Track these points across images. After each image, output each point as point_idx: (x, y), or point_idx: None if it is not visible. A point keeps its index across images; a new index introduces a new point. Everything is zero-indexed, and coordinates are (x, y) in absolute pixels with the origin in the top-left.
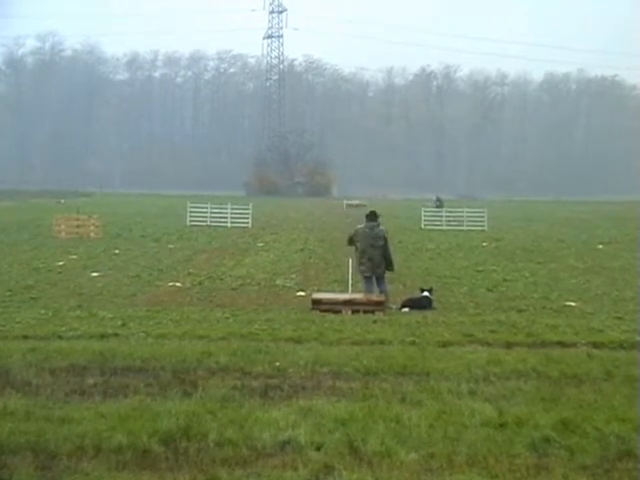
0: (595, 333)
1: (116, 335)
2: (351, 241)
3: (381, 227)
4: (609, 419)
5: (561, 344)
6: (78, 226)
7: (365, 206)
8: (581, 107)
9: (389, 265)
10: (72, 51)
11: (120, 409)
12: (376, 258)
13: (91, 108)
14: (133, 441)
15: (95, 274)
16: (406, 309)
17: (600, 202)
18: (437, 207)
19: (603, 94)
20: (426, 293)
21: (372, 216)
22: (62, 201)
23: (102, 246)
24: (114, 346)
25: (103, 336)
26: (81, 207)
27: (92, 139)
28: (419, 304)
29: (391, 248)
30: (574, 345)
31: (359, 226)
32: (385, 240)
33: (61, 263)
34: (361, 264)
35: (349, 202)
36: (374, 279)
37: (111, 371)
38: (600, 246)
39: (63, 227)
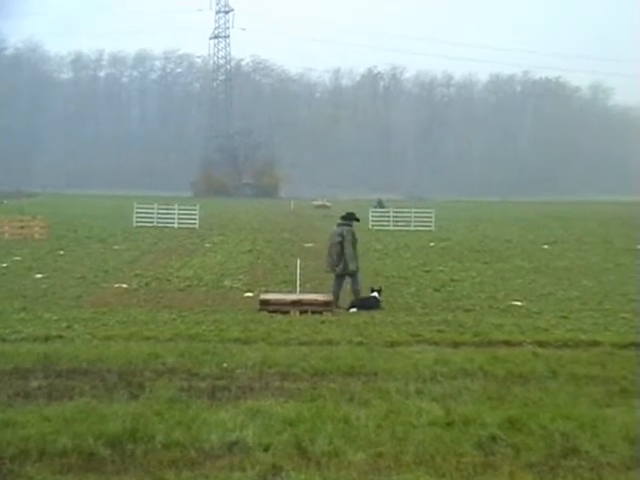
0: (540, 332)
1: (61, 337)
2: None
3: (346, 227)
4: (554, 417)
5: (507, 343)
6: (22, 227)
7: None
8: (526, 108)
9: (344, 264)
10: (14, 49)
11: (65, 412)
12: (334, 256)
13: (35, 108)
14: (78, 444)
15: (39, 275)
16: (354, 309)
17: (546, 202)
18: (380, 207)
19: (547, 96)
20: (375, 293)
21: (345, 217)
22: (5, 202)
23: (47, 247)
24: (59, 348)
25: (48, 338)
26: (25, 208)
27: (36, 139)
28: (367, 304)
29: (349, 249)
30: (520, 344)
31: (334, 227)
32: (343, 238)
33: (4, 265)
34: (326, 261)
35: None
36: (346, 278)
37: (56, 373)
38: (546, 246)
39: (6, 228)
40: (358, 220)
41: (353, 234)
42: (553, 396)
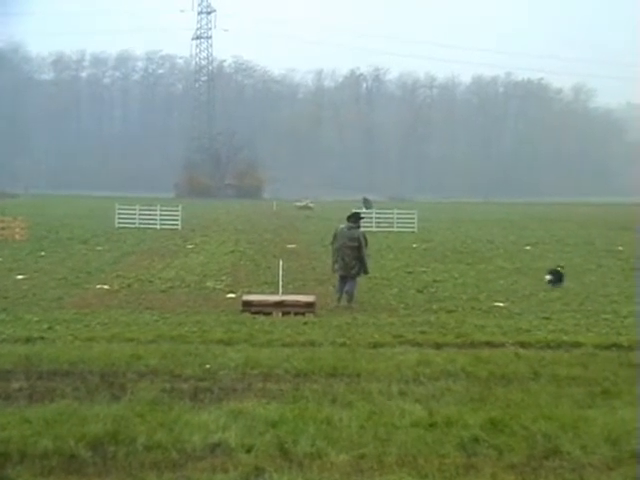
0: (522, 333)
1: (42, 339)
2: (333, 240)
3: (360, 230)
4: (536, 418)
5: (490, 344)
6: (3, 228)
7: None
8: (509, 110)
9: (363, 268)
10: None
11: (46, 414)
12: (348, 258)
13: (17, 108)
14: (60, 446)
15: (20, 277)
16: (549, 276)
17: (527, 203)
18: (366, 208)
19: (530, 97)
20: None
21: (353, 218)
22: None
23: (28, 248)
24: (40, 350)
25: (29, 340)
26: (6, 208)
27: (18, 140)
28: (560, 277)
29: (365, 251)
30: (502, 345)
31: (340, 226)
32: (359, 242)
33: None
34: (335, 262)
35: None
36: (349, 279)
37: (37, 375)
38: (528, 247)
39: None
40: (362, 218)
41: (365, 236)
42: (535, 397)
